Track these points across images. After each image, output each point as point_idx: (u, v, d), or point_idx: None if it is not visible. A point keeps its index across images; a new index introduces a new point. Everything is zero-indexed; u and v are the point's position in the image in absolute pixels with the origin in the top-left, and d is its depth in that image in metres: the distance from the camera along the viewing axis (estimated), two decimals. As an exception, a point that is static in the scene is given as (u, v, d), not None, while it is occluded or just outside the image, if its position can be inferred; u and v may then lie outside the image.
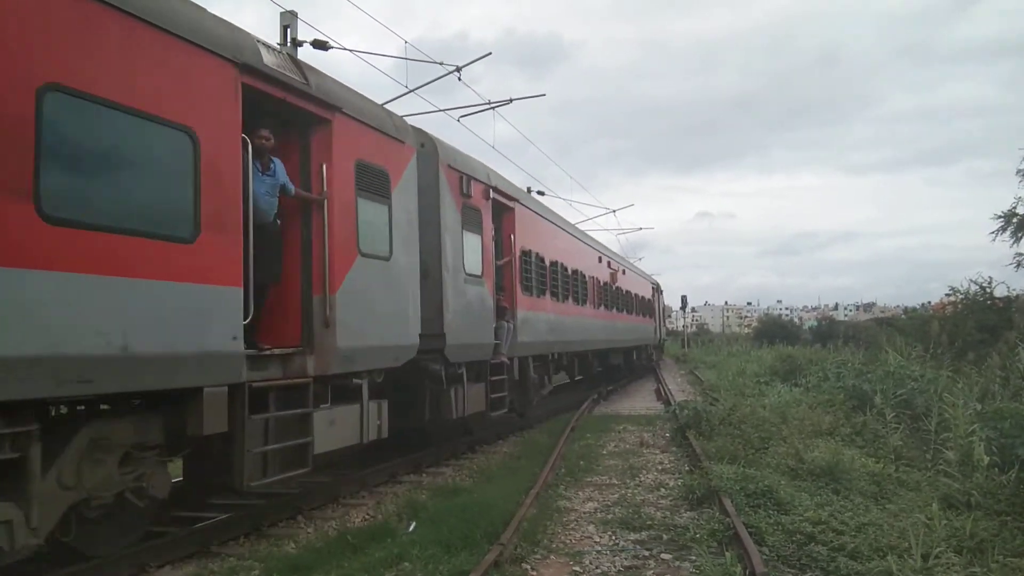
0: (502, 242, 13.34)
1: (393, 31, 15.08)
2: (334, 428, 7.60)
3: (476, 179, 11.73)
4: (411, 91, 15.58)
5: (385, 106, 10.29)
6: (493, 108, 17.73)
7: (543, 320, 15.36)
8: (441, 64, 15.45)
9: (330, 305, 7.45)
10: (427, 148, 10.37)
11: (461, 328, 10.69)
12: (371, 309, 8.24)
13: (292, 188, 7.42)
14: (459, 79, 15.65)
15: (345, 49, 13.95)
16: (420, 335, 9.33)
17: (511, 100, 18.09)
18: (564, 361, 17.98)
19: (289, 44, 13.63)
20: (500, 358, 12.24)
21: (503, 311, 12.63)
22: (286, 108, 7.27)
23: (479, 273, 11.63)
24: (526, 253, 14.33)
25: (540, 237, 15.61)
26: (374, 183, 8.43)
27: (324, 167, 7.60)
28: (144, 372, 5.41)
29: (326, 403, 7.56)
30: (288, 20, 13.69)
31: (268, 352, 6.93)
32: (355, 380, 8.05)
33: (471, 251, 11.40)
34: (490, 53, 17.69)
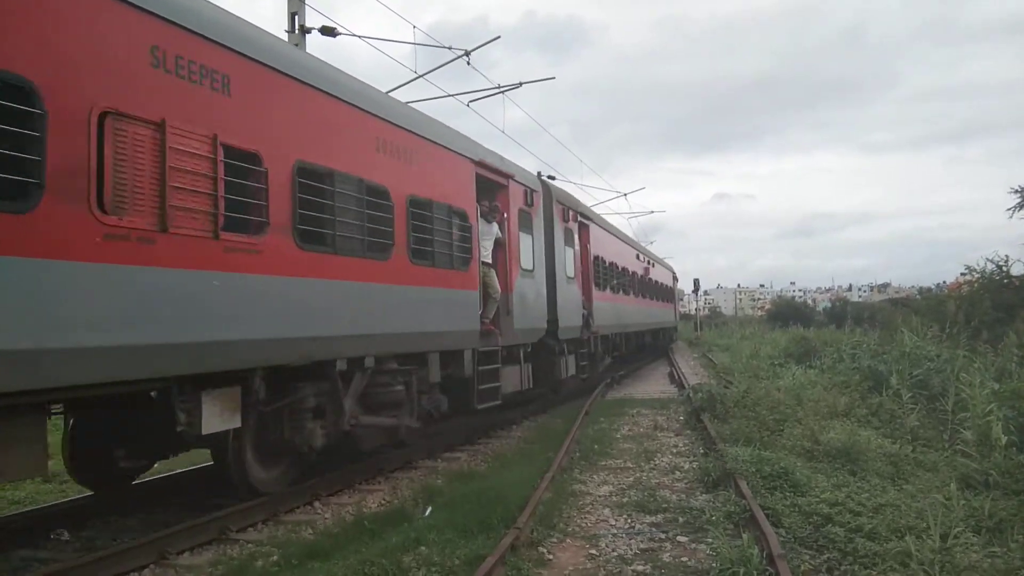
0: None
1: (403, 17, 15.01)
2: None
3: None
4: (419, 76, 15.53)
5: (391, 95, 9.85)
6: (503, 92, 17.64)
7: None
8: (450, 48, 15.38)
9: None
10: None
11: None
12: None
13: None
14: (468, 63, 15.58)
15: (353, 35, 13.89)
16: None
17: (520, 84, 17.98)
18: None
19: (297, 31, 13.61)
20: None
21: None
22: None
23: None
24: None
25: None
26: None
27: None
28: None
29: None
30: (296, 7, 13.66)
31: None
32: None
33: None
34: (499, 37, 17.55)
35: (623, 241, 24.93)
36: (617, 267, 21.97)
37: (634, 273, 25.22)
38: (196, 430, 6.35)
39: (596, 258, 18.87)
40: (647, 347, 30.67)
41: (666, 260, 42.24)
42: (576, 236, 17.00)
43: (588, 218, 18.84)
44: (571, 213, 16.69)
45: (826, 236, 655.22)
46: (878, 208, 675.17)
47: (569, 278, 15.91)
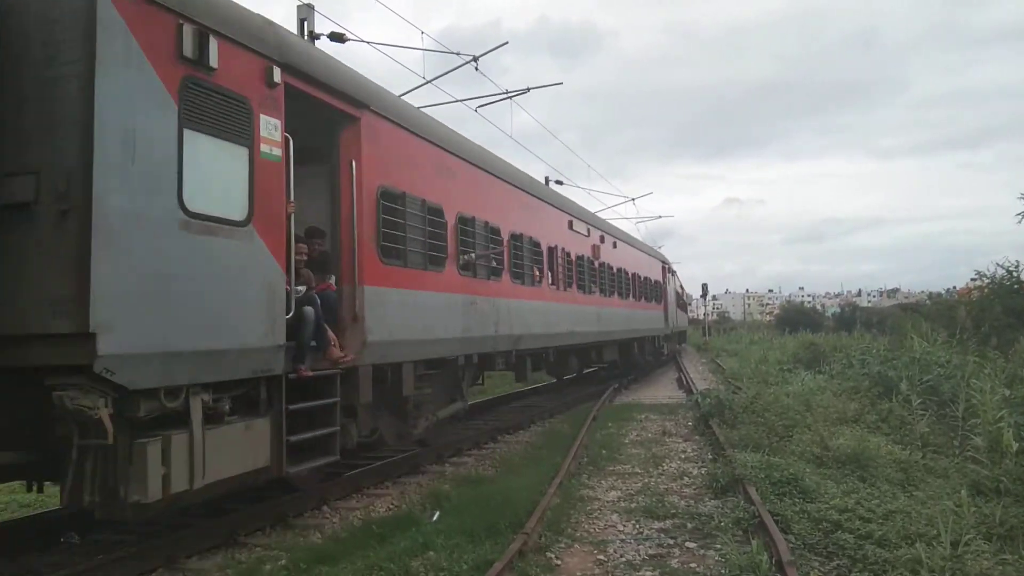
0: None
1: (412, 24, 15.11)
2: None
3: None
4: (428, 82, 15.58)
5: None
6: (511, 97, 17.66)
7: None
8: (458, 54, 15.42)
9: None
10: None
11: None
12: None
13: None
14: (476, 69, 15.61)
15: (363, 41, 13.95)
16: None
17: (528, 89, 18.00)
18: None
19: (306, 37, 13.68)
20: None
21: None
22: None
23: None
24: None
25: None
26: None
27: None
28: None
29: None
30: (305, 13, 13.73)
31: None
32: None
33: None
34: (507, 43, 17.60)
35: (518, 188, 13.73)
36: (495, 231, 12.08)
37: (555, 250, 15.48)
38: None
39: (390, 195, 8.86)
40: (613, 366, 22.29)
41: (673, 264, 33.93)
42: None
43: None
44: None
45: (836, 241, 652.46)
46: (888, 213, 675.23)
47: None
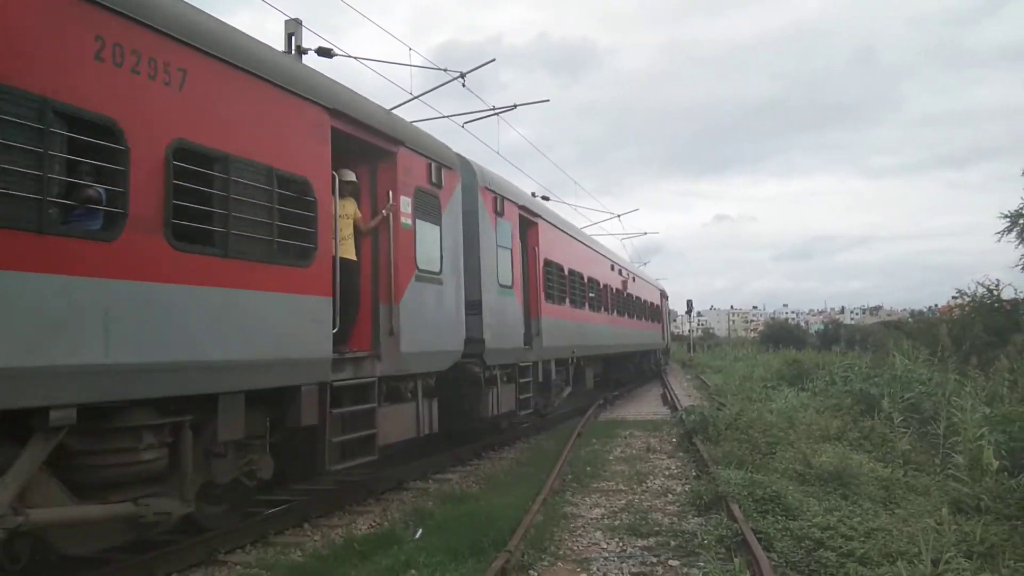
0: None
1: (400, 40, 15.15)
2: None
3: None
4: (415, 98, 15.61)
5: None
6: (497, 114, 17.74)
7: None
8: (445, 71, 15.49)
9: None
10: None
11: None
12: None
13: None
14: (463, 85, 15.67)
15: (349, 56, 13.97)
16: None
17: (515, 106, 18.07)
18: None
19: (294, 52, 13.69)
20: None
21: None
22: None
23: None
24: None
25: None
26: None
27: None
28: None
29: None
30: (292, 28, 13.75)
31: None
32: None
33: None
34: (494, 60, 17.70)
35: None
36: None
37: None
38: None
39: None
40: None
41: (659, 281, 36.10)
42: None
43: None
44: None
45: (825, 258, 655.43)
46: (878, 231, 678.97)
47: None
